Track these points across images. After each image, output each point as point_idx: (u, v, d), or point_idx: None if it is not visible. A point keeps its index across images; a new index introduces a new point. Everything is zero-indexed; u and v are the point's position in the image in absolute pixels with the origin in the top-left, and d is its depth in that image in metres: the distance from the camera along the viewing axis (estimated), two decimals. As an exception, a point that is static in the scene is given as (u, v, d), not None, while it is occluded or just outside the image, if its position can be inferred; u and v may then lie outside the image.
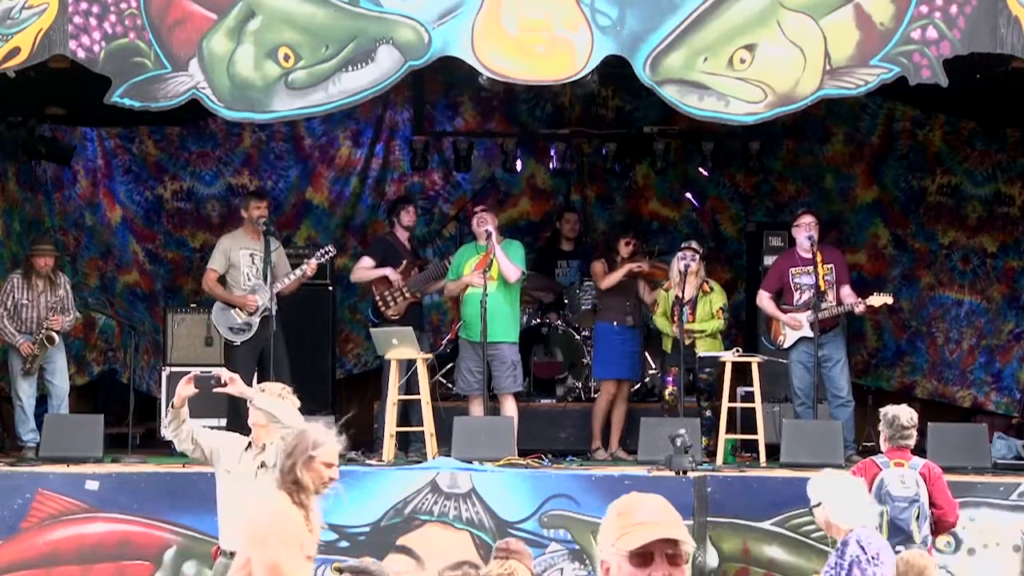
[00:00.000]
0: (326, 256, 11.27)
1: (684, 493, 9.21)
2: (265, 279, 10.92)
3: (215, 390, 7.33)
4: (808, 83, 9.41)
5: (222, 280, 11.14)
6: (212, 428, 8.25)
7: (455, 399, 11.47)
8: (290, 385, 7.59)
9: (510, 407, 10.86)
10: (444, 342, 12.29)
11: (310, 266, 11.04)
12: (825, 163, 13.44)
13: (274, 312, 10.81)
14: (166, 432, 7.59)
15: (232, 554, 7.17)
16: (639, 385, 12.12)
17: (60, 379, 11.10)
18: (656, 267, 11.61)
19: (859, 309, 10.73)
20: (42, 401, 11.23)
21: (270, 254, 10.96)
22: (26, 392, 10.99)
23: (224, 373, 7.31)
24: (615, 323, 11.44)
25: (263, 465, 7.19)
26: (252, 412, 7.24)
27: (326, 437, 5.90)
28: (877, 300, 10.62)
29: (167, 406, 8.65)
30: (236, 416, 9.90)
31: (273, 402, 7.11)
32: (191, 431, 7.35)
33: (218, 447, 7.36)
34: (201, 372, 7.86)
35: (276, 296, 10.93)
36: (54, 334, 10.99)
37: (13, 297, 11.03)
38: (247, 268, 11.11)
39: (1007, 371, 12.88)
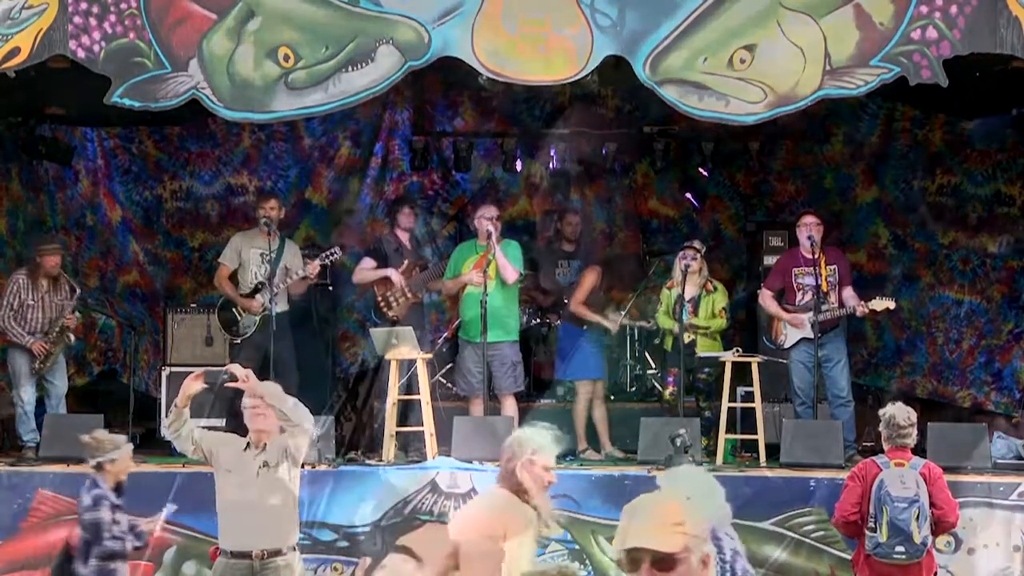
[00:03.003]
0: (330, 258, 11.27)
1: (684, 493, 9.20)
2: (270, 280, 10.97)
3: (227, 384, 7.32)
4: (808, 83, 9.40)
5: (234, 276, 11.22)
6: (212, 428, 8.26)
7: (455, 399, 11.46)
8: (295, 386, 7.57)
9: (510, 407, 10.86)
10: (440, 340, 12.26)
11: (313, 266, 11.07)
12: (825, 163, 13.43)
13: (274, 313, 10.83)
14: (166, 432, 7.59)
15: (232, 554, 7.18)
16: (637, 386, 12.11)
17: (60, 379, 11.10)
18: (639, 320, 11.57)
19: (861, 312, 10.70)
20: (40, 401, 11.22)
21: (280, 255, 11.04)
22: (27, 392, 10.98)
23: (238, 370, 7.30)
24: (582, 325, 11.44)
25: (264, 464, 7.19)
26: (258, 418, 7.23)
27: (545, 442, 6.27)
28: (879, 304, 10.59)
29: (167, 406, 8.65)
30: (235, 417, 9.89)
31: (283, 399, 7.14)
32: (191, 431, 7.34)
33: (218, 447, 7.36)
34: (209, 369, 7.87)
35: (287, 295, 11.03)
36: (70, 333, 11.02)
37: (19, 298, 11.01)
38: (255, 267, 11.20)
39: (1007, 371, 12.85)
